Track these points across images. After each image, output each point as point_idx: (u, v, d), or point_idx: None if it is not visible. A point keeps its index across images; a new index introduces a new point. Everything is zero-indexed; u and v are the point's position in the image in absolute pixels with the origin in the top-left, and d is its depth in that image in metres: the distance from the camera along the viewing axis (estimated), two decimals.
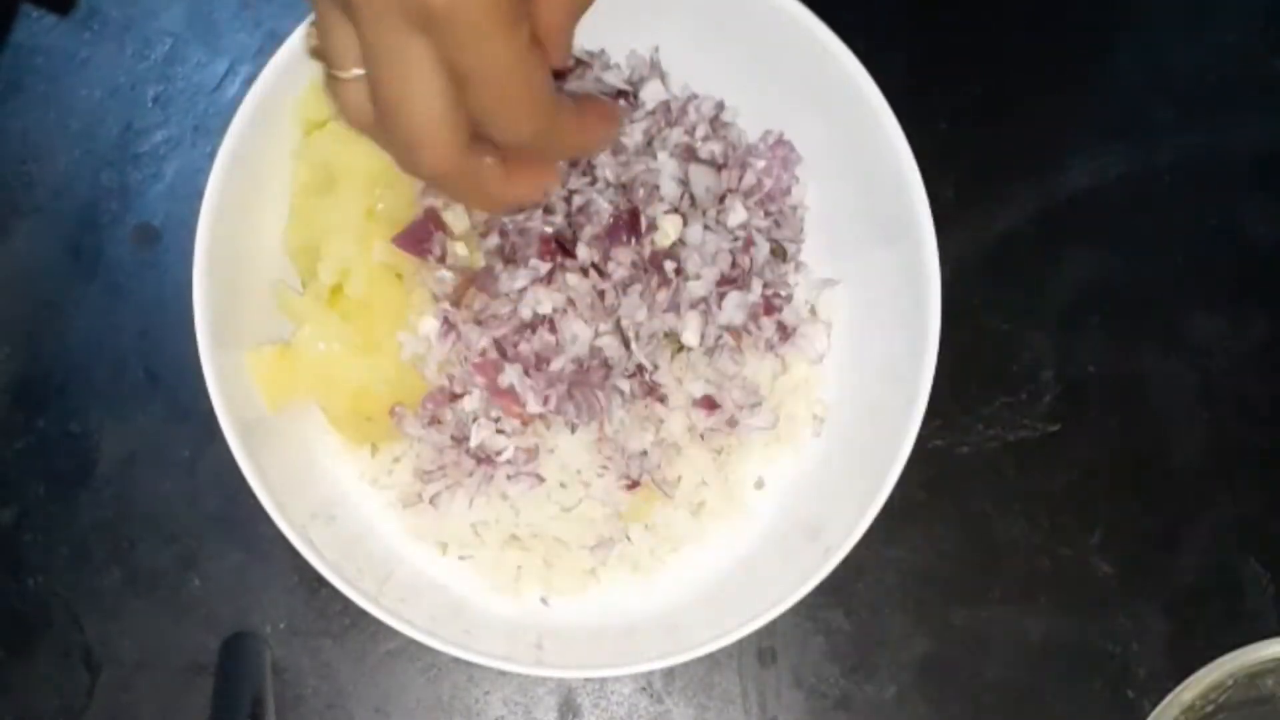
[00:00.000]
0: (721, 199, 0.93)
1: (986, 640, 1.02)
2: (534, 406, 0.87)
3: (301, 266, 0.92)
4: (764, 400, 0.94)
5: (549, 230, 0.88)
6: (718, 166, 0.93)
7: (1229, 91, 1.07)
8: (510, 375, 0.86)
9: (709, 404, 0.91)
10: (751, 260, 0.92)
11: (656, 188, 0.90)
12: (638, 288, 0.88)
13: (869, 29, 0.96)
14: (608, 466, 0.90)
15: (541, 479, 0.90)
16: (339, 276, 0.88)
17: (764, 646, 1.01)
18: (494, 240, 0.90)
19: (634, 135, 0.93)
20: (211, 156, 0.84)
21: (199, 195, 0.83)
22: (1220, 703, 0.92)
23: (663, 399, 0.91)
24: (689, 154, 0.93)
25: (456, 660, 0.92)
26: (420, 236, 0.89)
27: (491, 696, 1.00)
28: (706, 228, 0.91)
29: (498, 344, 0.88)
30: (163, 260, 1.02)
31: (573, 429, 0.89)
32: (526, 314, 0.87)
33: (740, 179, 0.94)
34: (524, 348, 0.88)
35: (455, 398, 0.89)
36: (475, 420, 0.88)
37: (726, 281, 0.91)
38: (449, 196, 0.85)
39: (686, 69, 0.96)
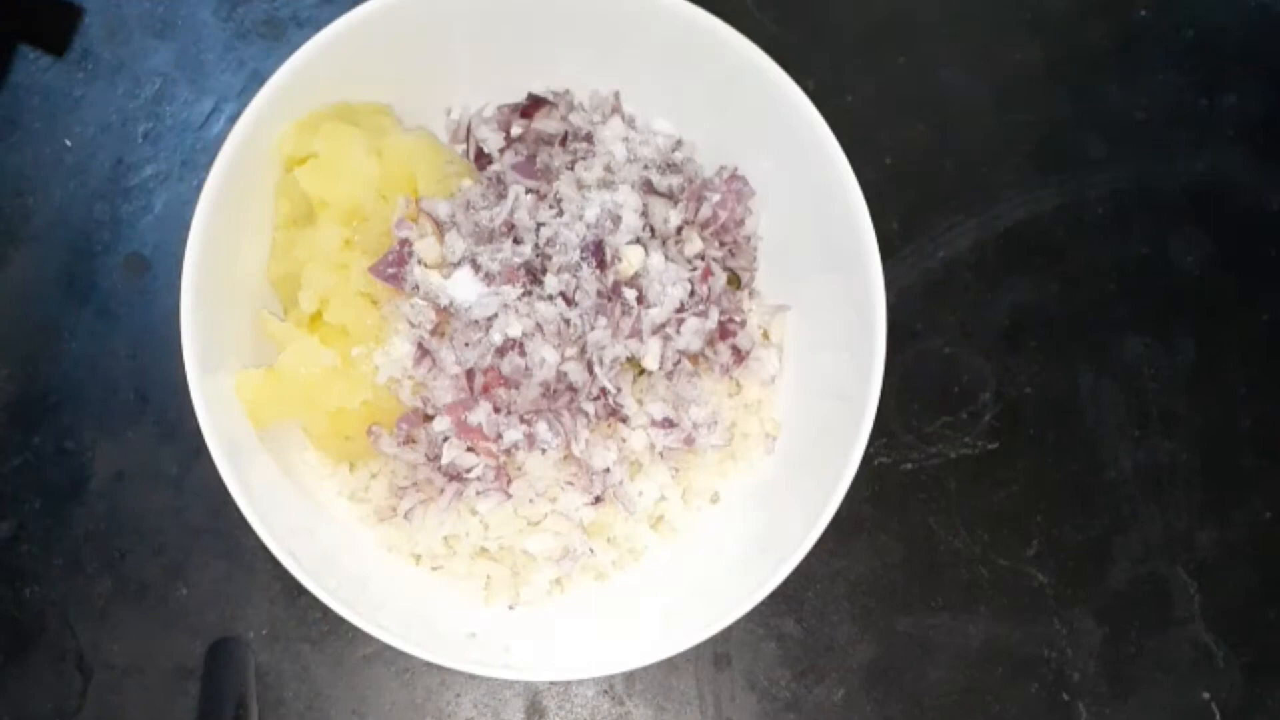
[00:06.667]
0: (679, 230, 0.96)
1: (929, 646, 1.04)
2: (507, 442, 0.89)
3: (283, 294, 0.94)
4: (719, 420, 0.96)
5: (519, 260, 0.90)
6: (675, 199, 0.96)
7: (1158, 128, 1.11)
8: (479, 414, 0.89)
9: (668, 424, 0.93)
10: (709, 289, 0.95)
11: (619, 219, 0.93)
12: (603, 319, 0.90)
13: (819, 70, 1.00)
14: (572, 483, 0.93)
15: (509, 495, 0.92)
16: (319, 304, 0.90)
17: (719, 651, 1.03)
18: (466, 269, 0.91)
19: (596, 170, 0.96)
20: (198, 190, 0.86)
21: (186, 226, 0.85)
22: None
23: (625, 419, 0.93)
24: (649, 188, 0.95)
25: (429, 664, 0.94)
26: (395, 266, 0.91)
27: (462, 699, 1.02)
28: (667, 258, 0.93)
29: (469, 374, 0.90)
30: (152, 287, 1.04)
31: (542, 451, 0.91)
32: (497, 339, 0.90)
33: (697, 211, 0.97)
34: (493, 378, 0.90)
35: (428, 419, 0.92)
36: (446, 440, 0.90)
37: (685, 309, 0.94)
38: None
39: (646, 108, 1.00)
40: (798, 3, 1.10)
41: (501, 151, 0.98)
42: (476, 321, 0.90)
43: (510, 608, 0.96)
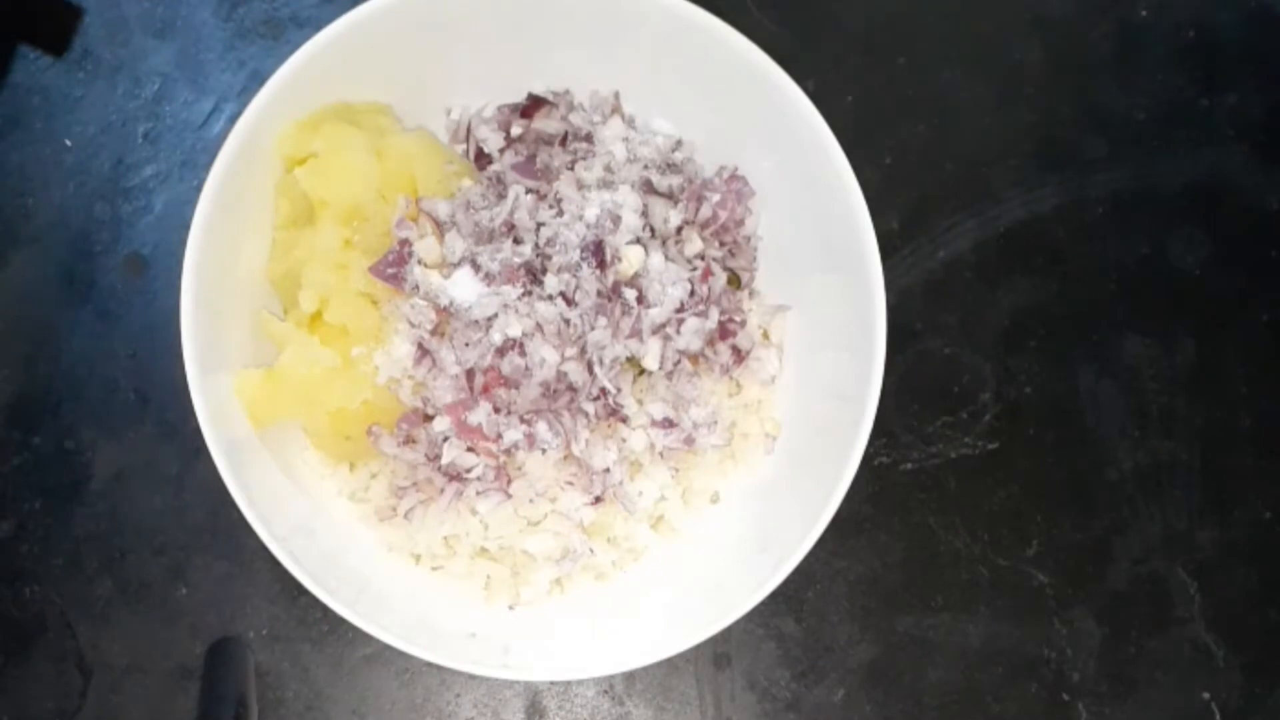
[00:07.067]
0: (679, 230, 0.96)
1: (929, 646, 1.04)
2: (507, 442, 0.89)
3: (283, 294, 0.94)
4: (719, 420, 0.96)
5: (519, 260, 0.90)
6: (675, 199, 0.96)
7: (1158, 128, 1.11)
8: (479, 414, 0.89)
9: (668, 424, 0.93)
10: (709, 289, 0.95)
11: (619, 219, 0.93)
12: (603, 319, 0.90)
13: (819, 70, 1.00)
14: (572, 483, 0.93)
15: (509, 495, 0.92)
16: (319, 304, 0.90)
17: (719, 651, 1.03)
18: (466, 269, 0.91)
19: (596, 170, 0.96)
20: (198, 190, 0.86)
21: (186, 226, 0.85)
22: None
23: (625, 419, 0.93)
24: (649, 188, 0.95)
25: (429, 665, 0.95)
26: (395, 266, 0.91)
27: (462, 699, 1.02)
28: (667, 258, 0.93)
29: (469, 373, 0.90)
30: (152, 287, 1.04)
31: (542, 451, 0.91)
32: (497, 339, 0.89)
33: (697, 211, 0.97)
34: (493, 378, 0.90)
35: (428, 419, 0.92)
36: (446, 440, 0.90)
37: (685, 309, 0.93)
38: None
39: (646, 108, 1.00)
40: (798, 3, 1.10)
41: (501, 151, 0.98)
42: (476, 321, 0.90)
43: (510, 608, 0.96)
